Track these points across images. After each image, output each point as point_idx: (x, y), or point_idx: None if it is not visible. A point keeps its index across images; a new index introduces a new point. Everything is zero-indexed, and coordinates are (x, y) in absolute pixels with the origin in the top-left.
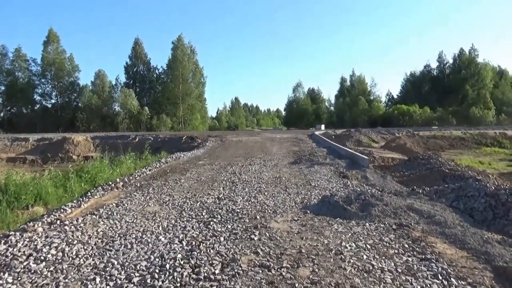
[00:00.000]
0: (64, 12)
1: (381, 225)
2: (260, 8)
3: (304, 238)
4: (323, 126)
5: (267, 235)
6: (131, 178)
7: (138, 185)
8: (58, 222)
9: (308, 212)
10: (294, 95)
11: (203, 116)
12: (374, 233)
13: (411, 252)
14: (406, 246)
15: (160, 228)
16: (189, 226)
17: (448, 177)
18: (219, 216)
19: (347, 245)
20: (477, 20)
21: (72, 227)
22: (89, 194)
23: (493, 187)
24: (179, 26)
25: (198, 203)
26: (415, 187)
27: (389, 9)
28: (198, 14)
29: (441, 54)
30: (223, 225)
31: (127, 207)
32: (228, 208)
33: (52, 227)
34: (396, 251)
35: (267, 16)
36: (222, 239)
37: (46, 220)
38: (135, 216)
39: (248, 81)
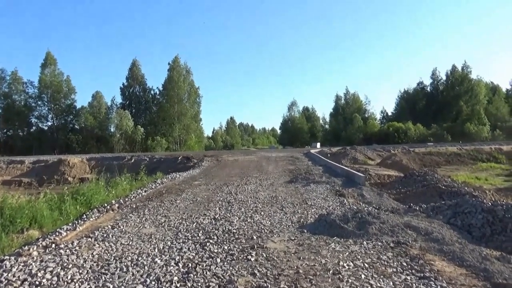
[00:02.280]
0: (62, 33)
1: (379, 243)
2: (257, 29)
3: (301, 258)
4: (318, 144)
5: (264, 255)
6: (126, 199)
7: (134, 206)
8: (53, 245)
9: (305, 231)
10: (289, 113)
11: (198, 136)
12: (372, 252)
13: (410, 270)
14: (404, 264)
15: (156, 250)
16: (185, 248)
17: (444, 194)
18: (215, 237)
19: (345, 265)
20: (469, 37)
21: (67, 250)
22: (85, 216)
23: (490, 203)
24: (176, 45)
25: (194, 224)
26: (412, 204)
27: (383, 28)
28: (195, 32)
29: (434, 71)
30: (219, 246)
31: (123, 229)
32: (224, 228)
33: (47, 250)
34: (395, 269)
35: (263, 36)
36: (218, 260)
37: (41, 243)
38: (131, 238)
39: (243, 100)
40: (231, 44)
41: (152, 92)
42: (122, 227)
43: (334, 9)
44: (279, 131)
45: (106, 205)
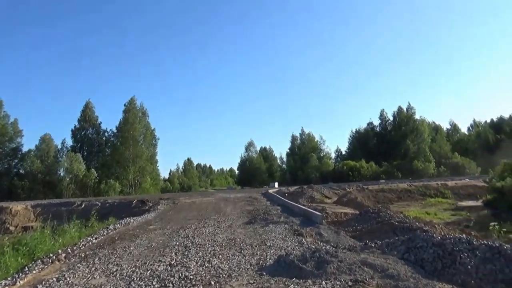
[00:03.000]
0: (11, 75)
1: (337, 283)
2: (214, 71)
3: None
4: (276, 184)
5: None
6: (75, 248)
7: (83, 255)
8: None
9: (264, 273)
10: (246, 154)
11: (154, 179)
12: None
13: None
14: None
15: None
16: None
17: (398, 229)
18: (170, 285)
19: None
20: (412, 78)
21: None
22: (27, 269)
23: (439, 237)
24: (131, 85)
25: (149, 272)
26: (367, 241)
27: (334, 73)
28: (151, 73)
29: (382, 112)
30: None
31: (69, 281)
32: (180, 274)
33: None
34: None
35: (219, 78)
36: None
37: None
38: None
39: (200, 141)
40: (188, 84)
41: (106, 134)
42: (68, 278)
43: (283, 52)
44: (237, 172)
45: (51, 255)
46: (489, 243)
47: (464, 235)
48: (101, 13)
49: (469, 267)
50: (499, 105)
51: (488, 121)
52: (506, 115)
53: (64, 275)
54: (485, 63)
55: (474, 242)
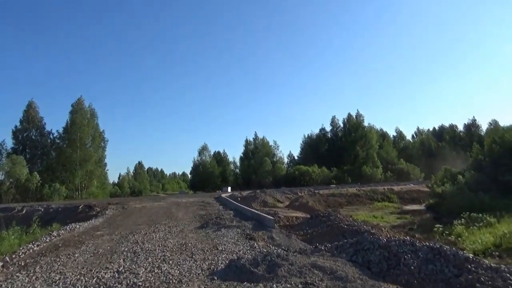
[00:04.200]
0: None
1: (288, 286)
2: (169, 72)
3: None
4: (229, 188)
5: None
6: (13, 256)
7: (23, 264)
8: None
9: (216, 278)
10: (200, 158)
11: (103, 183)
12: None
13: None
14: None
15: None
16: None
17: (347, 232)
18: None
19: None
20: (362, 86)
21: None
22: None
23: (385, 239)
24: (79, 85)
25: (94, 279)
26: (318, 244)
27: (289, 80)
28: (98, 72)
29: (333, 119)
30: None
31: None
32: (128, 282)
33: None
34: None
35: (173, 80)
36: None
37: None
38: None
39: (152, 145)
40: (139, 85)
41: (51, 136)
42: None
43: (239, 56)
44: (190, 176)
45: None
46: (431, 244)
47: (408, 237)
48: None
49: (412, 267)
50: (441, 113)
51: (431, 129)
52: (446, 124)
53: (1, 285)
54: (428, 75)
55: (417, 244)
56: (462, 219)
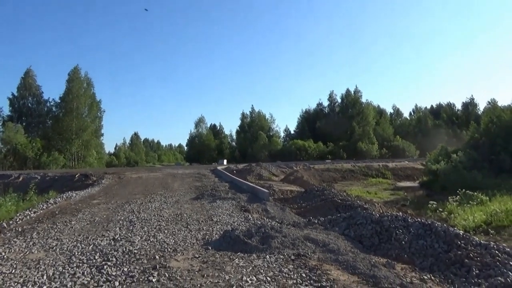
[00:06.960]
0: None
1: (281, 257)
2: (166, 42)
3: (205, 275)
4: (225, 161)
5: (167, 275)
6: (11, 222)
7: (20, 230)
8: None
9: (210, 248)
10: (196, 130)
11: (99, 152)
12: (274, 265)
13: (309, 281)
14: (304, 275)
15: (45, 277)
16: (79, 272)
17: (340, 207)
18: (114, 259)
19: (248, 279)
20: (360, 61)
21: None
22: None
23: (378, 215)
24: (75, 54)
25: (91, 246)
26: (311, 217)
27: (288, 56)
28: (94, 42)
29: (331, 94)
30: (118, 268)
31: (4, 256)
32: (124, 249)
33: None
34: (295, 281)
35: (171, 52)
36: (117, 283)
37: None
38: (14, 266)
39: (149, 116)
40: (137, 57)
41: (48, 104)
42: (3, 253)
43: (236, 31)
44: (186, 148)
45: None
46: (423, 220)
47: (400, 213)
48: None
49: (403, 242)
50: (439, 92)
51: (428, 107)
52: (444, 102)
53: None
54: (428, 53)
55: (409, 220)
56: (458, 196)
